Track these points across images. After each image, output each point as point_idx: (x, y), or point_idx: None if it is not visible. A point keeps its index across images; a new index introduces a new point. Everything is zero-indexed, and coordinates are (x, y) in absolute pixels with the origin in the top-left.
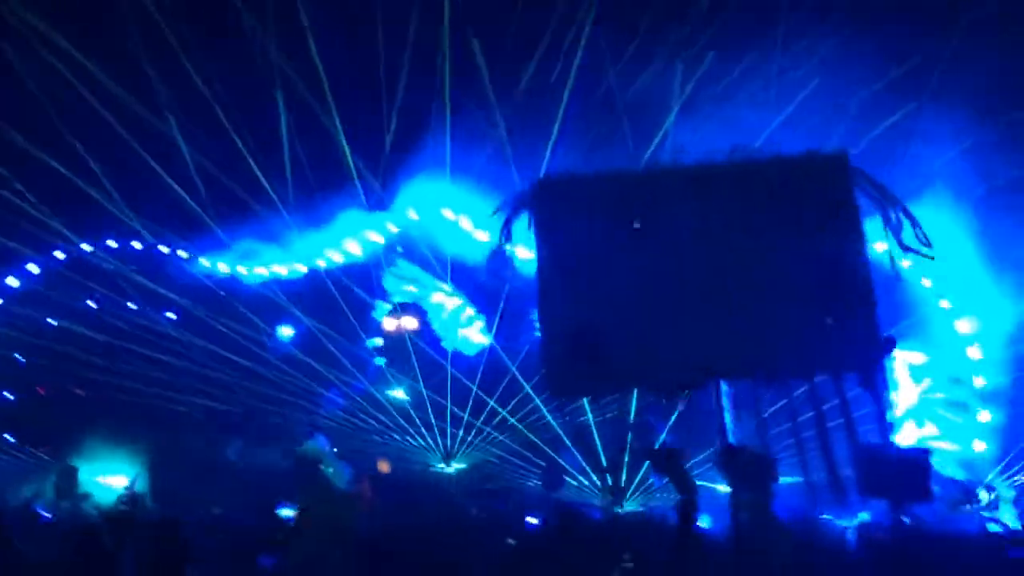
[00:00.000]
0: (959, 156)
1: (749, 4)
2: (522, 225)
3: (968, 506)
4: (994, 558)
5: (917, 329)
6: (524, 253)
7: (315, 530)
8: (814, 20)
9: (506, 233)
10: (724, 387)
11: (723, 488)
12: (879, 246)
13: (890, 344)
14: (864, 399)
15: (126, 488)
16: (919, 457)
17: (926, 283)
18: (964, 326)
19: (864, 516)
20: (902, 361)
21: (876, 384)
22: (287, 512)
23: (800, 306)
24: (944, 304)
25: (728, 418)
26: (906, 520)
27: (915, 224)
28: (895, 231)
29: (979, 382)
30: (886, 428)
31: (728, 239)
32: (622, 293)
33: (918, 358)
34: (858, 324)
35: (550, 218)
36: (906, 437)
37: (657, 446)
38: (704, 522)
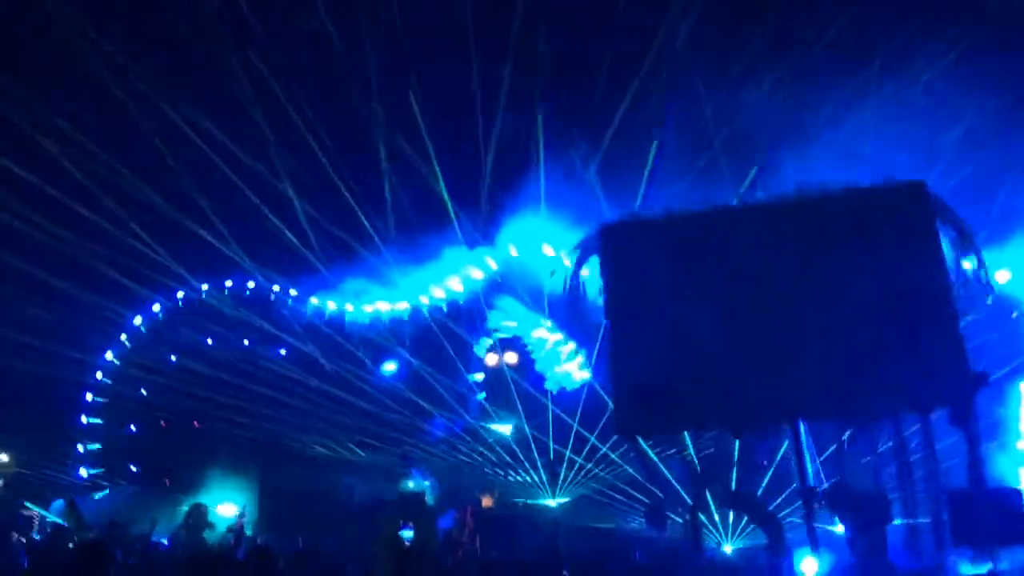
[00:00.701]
0: None
1: (842, 38)
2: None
3: None
4: None
5: None
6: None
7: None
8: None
9: (576, 277)
10: (803, 428)
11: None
12: (1002, 276)
13: (982, 379)
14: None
15: (237, 516)
16: (1012, 496)
17: None
18: None
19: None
20: None
21: (967, 422)
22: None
23: (881, 341)
24: None
25: (808, 460)
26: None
27: (981, 264)
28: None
29: None
30: (979, 469)
31: (802, 274)
32: (693, 335)
33: None
34: (945, 358)
35: (617, 261)
36: None
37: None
38: (822, 563)
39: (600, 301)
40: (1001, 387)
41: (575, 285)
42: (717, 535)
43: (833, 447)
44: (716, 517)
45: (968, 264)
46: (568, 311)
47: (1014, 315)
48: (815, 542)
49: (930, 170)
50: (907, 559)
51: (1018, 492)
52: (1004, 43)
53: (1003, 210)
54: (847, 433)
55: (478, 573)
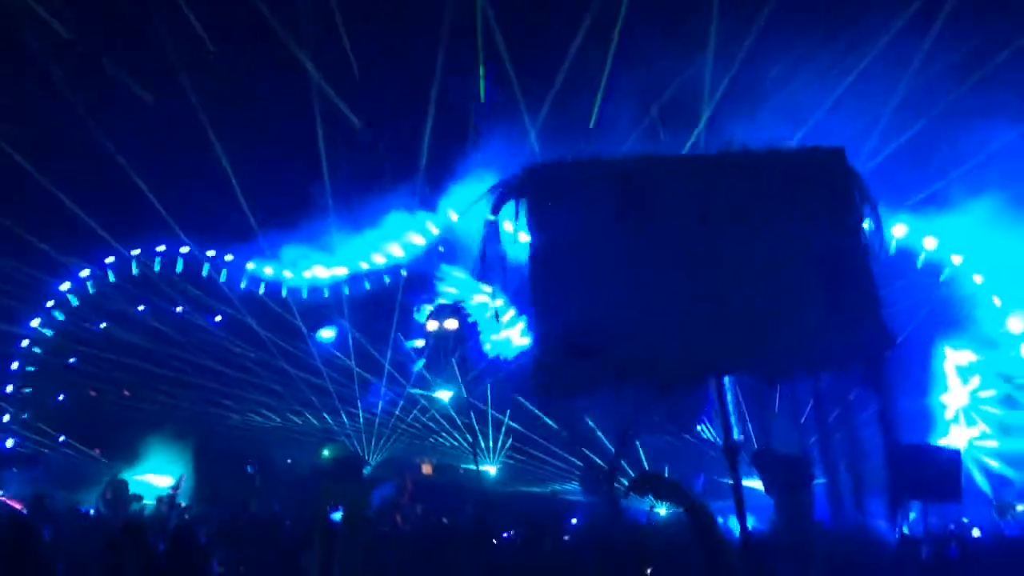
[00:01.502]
0: (1012, 147)
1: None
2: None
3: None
4: None
5: (967, 327)
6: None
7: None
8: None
9: (494, 221)
10: (727, 384)
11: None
12: (928, 242)
13: (892, 339)
14: (904, 398)
15: (171, 488)
16: (950, 457)
17: (977, 280)
18: (1016, 324)
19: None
20: (951, 361)
21: (880, 383)
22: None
23: (801, 301)
24: (996, 301)
25: (733, 418)
26: (952, 526)
27: (880, 229)
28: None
29: None
30: (891, 426)
31: (728, 231)
32: (618, 285)
33: (967, 357)
34: (861, 317)
35: (542, 206)
36: (956, 437)
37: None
38: (749, 522)
39: (517, 250)
40: (928, 346)
41: (492, 231)
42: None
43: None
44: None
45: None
46: (484, 260)
47: (941, 278)
48: (740, 502)
49: (868, 137)
50: (831, 518)
51: (956, 452)
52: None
53: (934, 178)
54: (770, 394)
55: (414, 540)
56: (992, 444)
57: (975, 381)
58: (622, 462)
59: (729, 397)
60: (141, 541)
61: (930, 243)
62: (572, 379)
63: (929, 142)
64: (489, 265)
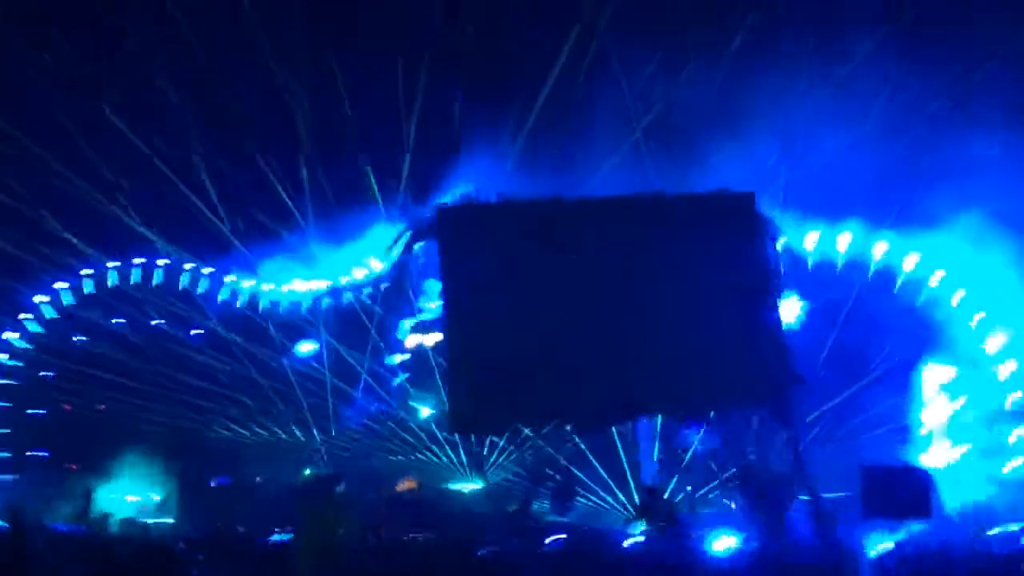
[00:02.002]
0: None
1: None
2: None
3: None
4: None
5: (946, 345)
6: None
7: (313, 546)
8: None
9: (405, 259)
10: (643, 423)
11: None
12: (908, 262)
13: (797, 380)
14: (884, 416)
15: (156, 504)
16: (921, 476)
17: (958, 296)
18: (995, 342)
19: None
20: (931, 378)
21: (787, 418)
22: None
23: (711, 342)
24: (974, 320)
25: (643, 453)
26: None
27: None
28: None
29: (1013, 397)
30: (801, 465)
31: (638, 272)
32: (534, 326)
33: (948, 374)
34: (767, 358)
35: (454, 246)
36: (936, 455)
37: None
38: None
39: (428, 286)
40: (906, 373)
41: (402, 266)
42: (625, 513)
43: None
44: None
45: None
46: (392, 293)
47: (918, 303)
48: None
49: (849, 153)
50: (809, 534)
51: (926, 472)
52: (928, 36)
53: (919, 197)
54: (754, 420)
55: (398, 555)
56: (972, 462)
57: (959, 400)
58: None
59: (641, 437)
60: (109, 556)
61: (910, 261)
62: (485, 423)
63: (910, 158)
64: (399, 303)
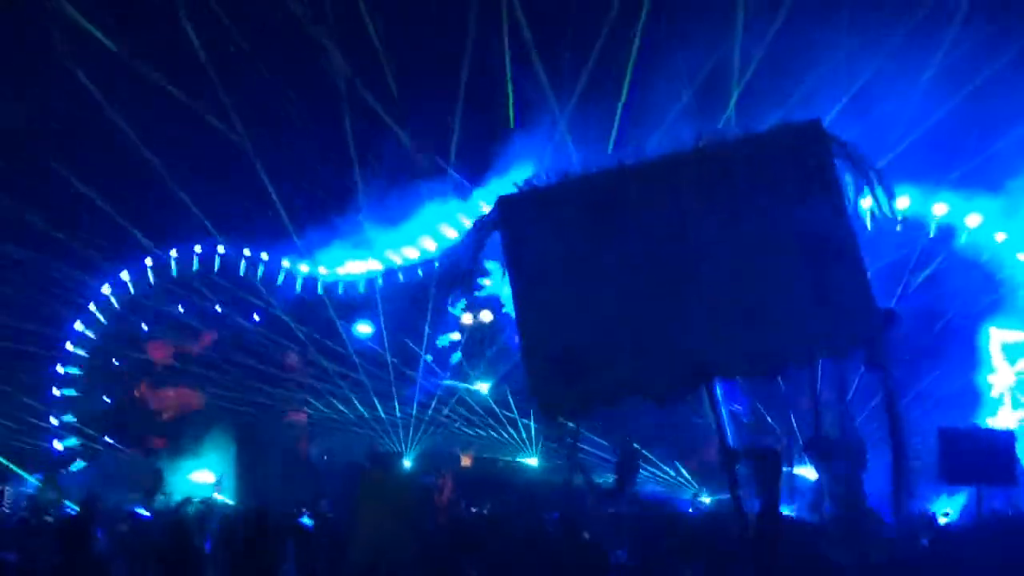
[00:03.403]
0: None
1: None
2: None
3: None
4: None
5: (1011, 306)
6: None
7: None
8: None
9: (478, 258)
10: (718, 387)
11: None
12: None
13: (890, 318)
14: (949, 379)
15: (214, 485)
16: (1003, 439)
17: (1022, 258)
18: None
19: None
20: (997, 340)
21: (881, 363)
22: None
23: (789, 289)
24: None
25: (725, 418)
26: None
27: (889, 195)
28: (874, 196)
29: None
30: (895, 412)
31: (707, 229)
32: (601, 303)
33: (1015, 336)
34: (853, 300)
35: (518, 234)
36: (1004, 418)
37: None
38: (787, 509)
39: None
40: (972, 335)
41: (470, 264)
42: (694, 487)
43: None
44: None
45: (867, 201)
46: (464, 291)
47: (983, 259)
48: (739, 508)
49: (906, 111)
50: (881, 504)
51: (1010, 434)
52: None
53: (976, 153)
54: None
55: (461, 532)
56: None
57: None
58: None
59: (720, 401)
60: (185, 539)
61: (973, 221)
62: (568, 405)
63: (970, 116)
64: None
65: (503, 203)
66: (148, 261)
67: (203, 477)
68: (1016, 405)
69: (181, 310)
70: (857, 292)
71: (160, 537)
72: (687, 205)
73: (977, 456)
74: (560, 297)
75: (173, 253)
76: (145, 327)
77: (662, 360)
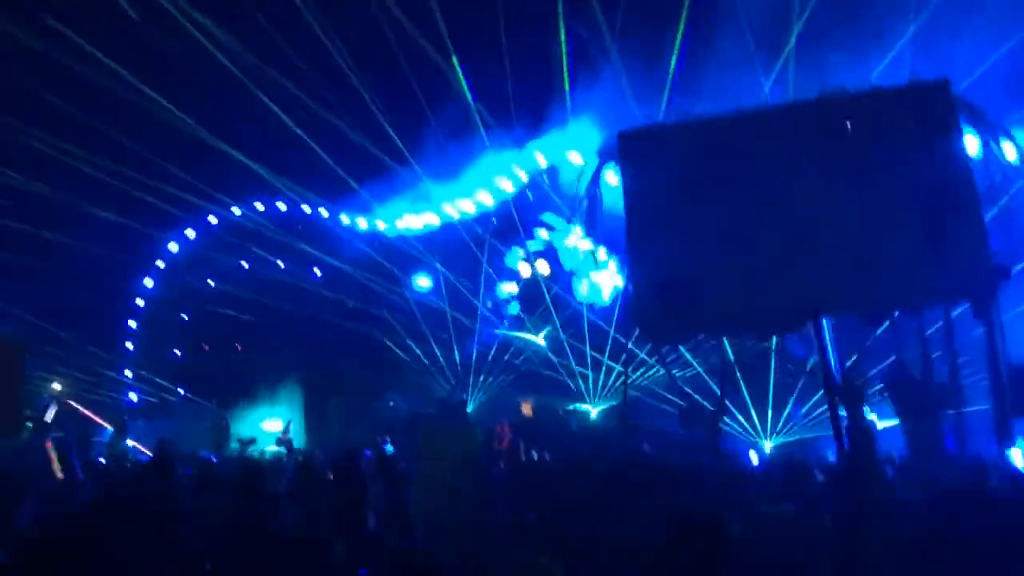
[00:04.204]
0: None
1: None
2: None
3: None
4: None
5: None
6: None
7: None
8: None
9: (595, 183)
10: (825, 325)
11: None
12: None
13: (1003, 272)
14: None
15: (281, 431)
16: None
17: None
18: None
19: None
20: None
21: (988, 314)
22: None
23: (904, 236)
24: None
25: (832, 357)
26: None
27: (1019, 149)
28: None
29: None
30: (998, 360)
31: (824, 176)
32: (712, 238)
33: None
34: (967, 252)
35: (635, 167)
36: None
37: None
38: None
39: (619, 207)
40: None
41: (593, 191)
42: (755, 435)
43: (879, 332)
44: (754, 416)
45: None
46: (588, 217)
47: None
48: (840, 437)
49: (968, 52)
50: (957, 447)
51: None
52: None
53: None
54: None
55: (524, 479)
56: None
57: None
58: (726, 401)
59: (828, 336)
60: (258, 484)
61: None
62: (670, 330)
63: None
64: (592, 220)
65: (622, 137)
66: (212, 219)
67: (273, 426)
68: None
69: (245, 265)
70: (973, 245)
71: (232, 478)
72: (805, 152)
73: None
74: (673, 229)
75: (235, 211)
76: (211, 282)
77: (770, 295)
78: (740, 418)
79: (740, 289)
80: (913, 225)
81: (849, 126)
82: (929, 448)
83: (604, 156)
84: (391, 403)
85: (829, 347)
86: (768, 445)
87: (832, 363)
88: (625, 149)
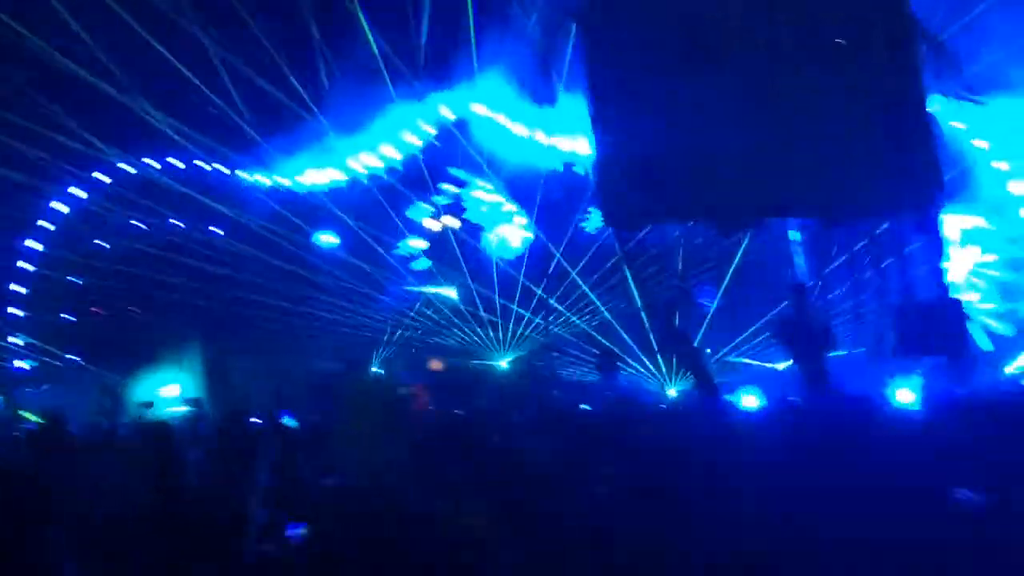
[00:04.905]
0: None
1: None
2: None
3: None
4: None
5: (971, 192)
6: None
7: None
8: None
9: (549, 40)
10: (795, 227)
11: (779, 366)
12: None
13: (950, 191)
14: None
15: (179, 397)
16: (950, 306)
17: (982, 145)
18: (1018, 186)
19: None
20: (956, 225)
21: (931, 229)
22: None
23: (861, 145)
24: (1001, 166)
25: (800, 260)
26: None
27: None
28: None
29: None
30: (939, 277)
31: (789, 71)
32: (681, 119)
33: (972, 222)
34: (918, 167)
35: (600, 31)
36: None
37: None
38: (759, 400)
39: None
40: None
41: (545, 50)
42: (660, 378)
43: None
44: (660, 361)
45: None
46: (535, 79)
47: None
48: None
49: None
50: (848, 385)
51: (958, 304)
52: None
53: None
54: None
55: (436, 431)
56: (991, 306)
57: (978, 248)
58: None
59: (796, 236)
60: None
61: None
62: (635, 210)
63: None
64: (542, 86)
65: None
66: (99, 175)
67: (171, 391)
68: (971, 289)
69: (140, 224)
70: (922, 161)
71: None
72: (773, 43)
73: (930, 329)
74: (642, 102)
75: (129, 168)
76: (102, 241)
77: (735, 187)
78: (647, 362)
79: (707, 178)
80: (871, 133)
81: (815, 23)
82: (815, 386)
83: (560, 13)
84: (302, 362)
85: (797, 251)
86: (672, 391)
87: (799, 262)
88: (589, 12)
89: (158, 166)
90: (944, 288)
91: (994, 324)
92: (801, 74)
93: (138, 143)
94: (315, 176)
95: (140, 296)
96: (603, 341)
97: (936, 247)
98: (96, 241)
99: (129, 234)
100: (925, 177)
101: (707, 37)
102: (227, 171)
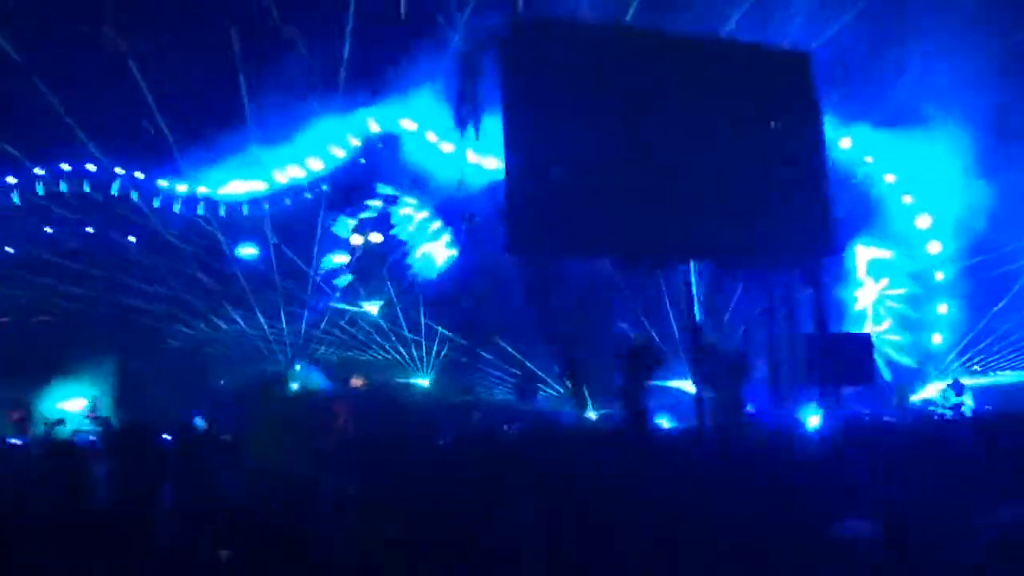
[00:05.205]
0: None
1: None
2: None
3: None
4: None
5: (878, 226)
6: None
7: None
8: None
9: (471, 68)
10: (693, 268)
11: (691, 388)
12: (844, 143)
13: (838, 248)
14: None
15: (88, 408)
16: (861, 341)
17: (889, 179)
18: (924, 221)
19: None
20: (863, 258)
21: (818, 281)
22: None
23: (764, 198)
24: (906, 200)
25: (696, 300)
26: (864, 414)
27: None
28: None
29: (939, 276)
30: (824, 323)
31: (697, 117)
32: (593, 154)
33: (880, 255)
34: (814, 223)
35: (520, 64)
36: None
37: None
38: (669, 423)
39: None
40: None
41: (470, 70)
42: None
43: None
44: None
45: (845, 142)
46: (460, 100)
47: (857, 178)
48: (699, 379)
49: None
50: (762, 411)
51: (866, 336)
52: None
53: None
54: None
55: (355, 452)
56: (896, 338)
57: (885, 280)
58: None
59: (694, 280)
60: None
61: (845, 143)
62: (538, 239)
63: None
64: (465, 102)
65: (514, 28)
66: (11, 179)
67: (76, 405)
68: (877, 320)
69: (49, 231)
70: (819, 217)
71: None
72: (684, 88)
73: (838, 358)
74: (553, 136)
75: (39, 171)
76: (8, 249)
77: (642, 227)
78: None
79: (617, 213)
80: (774, 187)
81: (722, 73)
82: (730, 412)
83: (488, 40)
84: (221, 381)
85: (695, 291)
86: (592, 415)
87: (696, 306)
88: (515, 38)
89: (68, 168)
90: (853, 320)
91: (895, 355)
92: (709, 131)
93: (49, 147)
94: (237, 187)
95: (50, 306)
96: (527, 363)
97: (825, 296)
98: (5, 248)
99: (37, 240)
100: (814, 234)
101: (623, 83)
102: (142, 177)
